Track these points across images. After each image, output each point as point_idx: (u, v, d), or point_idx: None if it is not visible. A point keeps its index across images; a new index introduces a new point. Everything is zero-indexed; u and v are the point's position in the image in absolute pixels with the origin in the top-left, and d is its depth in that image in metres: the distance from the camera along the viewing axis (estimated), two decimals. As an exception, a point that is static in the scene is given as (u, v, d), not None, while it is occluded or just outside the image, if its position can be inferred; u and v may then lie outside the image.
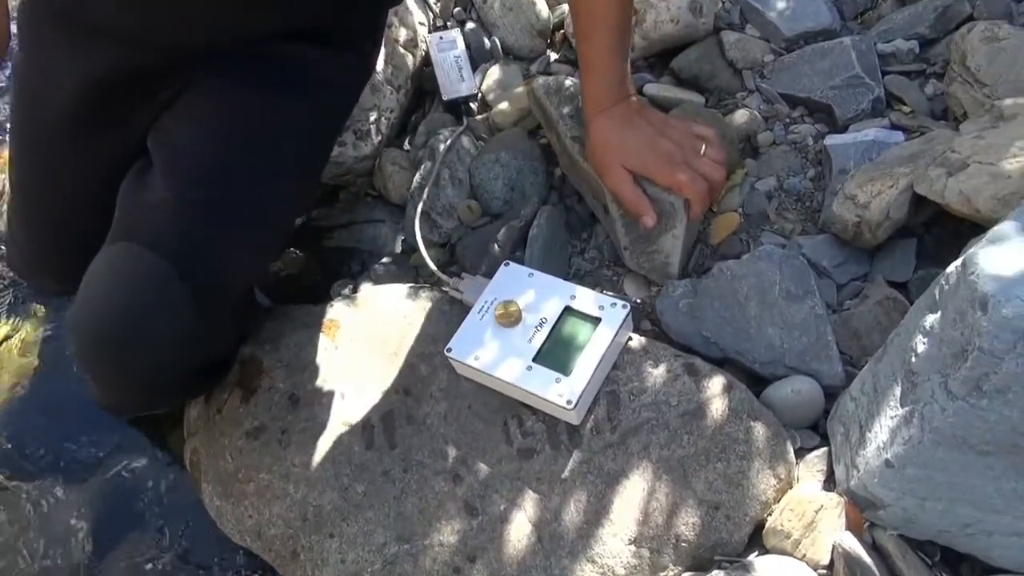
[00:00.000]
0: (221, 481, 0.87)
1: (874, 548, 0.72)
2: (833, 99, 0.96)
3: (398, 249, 1.04)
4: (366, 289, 0.93)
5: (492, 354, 0.79)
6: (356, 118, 1.07)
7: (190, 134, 0.82)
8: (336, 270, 1.04)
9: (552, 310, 0.81)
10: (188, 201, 0.78)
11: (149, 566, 0.95)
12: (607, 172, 0.85)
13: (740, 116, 0.99)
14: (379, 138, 1.08)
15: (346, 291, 0.95)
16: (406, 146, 1.10)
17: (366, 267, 1.02)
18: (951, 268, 0.67)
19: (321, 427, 0.84)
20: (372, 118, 1.07)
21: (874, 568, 0.69)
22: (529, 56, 1.13)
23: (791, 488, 0.76)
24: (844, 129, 0.96)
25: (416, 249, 1.00)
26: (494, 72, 1.10)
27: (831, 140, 0.93)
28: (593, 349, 0.77)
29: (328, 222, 1.08)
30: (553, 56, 1.13)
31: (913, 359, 0.68)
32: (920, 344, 0.68)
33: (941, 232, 0.87)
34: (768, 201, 0.95)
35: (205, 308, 0.77)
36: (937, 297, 0.67)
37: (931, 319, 0.67)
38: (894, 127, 0.93)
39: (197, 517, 0.94)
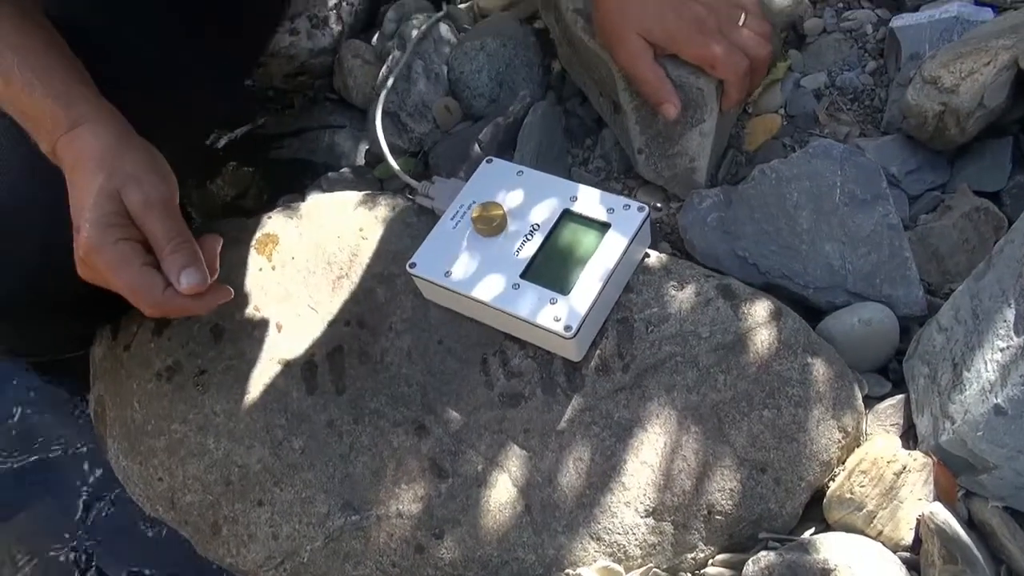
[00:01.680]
0: (127, 436, 0.69)
1: (970, 524, 0.55)
2: (899, -26, 0.78)
3: (361, 160, 0.85)
4: (313, 199, 0.74)
5: (468, 270, 0.61)
6: (311, 2, 0.88)
7: None
8: (286, 186, 0.86)
9: (547, 214, 0.63)
10: None
11: (51, 545, 0.77)
12: (620, 43, 0.66)
13: (782, -2, 0.81)
14: (339, 28, 0.89)
15: (289, 203, 0.76)
16: (374, 41, 0.91)
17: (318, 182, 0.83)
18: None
19: (250, 366, 0.66)
20: (331, 2, 0.88)
21: (974, 549, 0.52)
22: (523, -62, 0.94)
23: (859, 446, 0.57)
24: (914, 11, 0.77)
25: (382, 159, 0.82)
26: (480, -48, 0.91)
27: (898, 21, 0.75)
28: (599, 262, 0.59)
29: (277, 129, 0.89)
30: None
31: (1035, 270, 0.50)
32: (1046, 250, 0.50)
33: (1042, 130, 0.69)
34: (817, 100, 0.77)
35: None
36: (1073, 184, 0.49)
37: (1063, 215, 0.50)
38: (979, 4, 0.74)
39: (106, 483, 0.77)
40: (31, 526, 0.78)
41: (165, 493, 0.66)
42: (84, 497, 0.78)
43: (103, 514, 0.76)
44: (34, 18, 0.58)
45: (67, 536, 0.76)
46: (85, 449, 0.80)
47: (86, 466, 0.79)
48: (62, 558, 0.76)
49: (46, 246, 0.60)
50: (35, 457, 0.81)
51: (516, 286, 0.59)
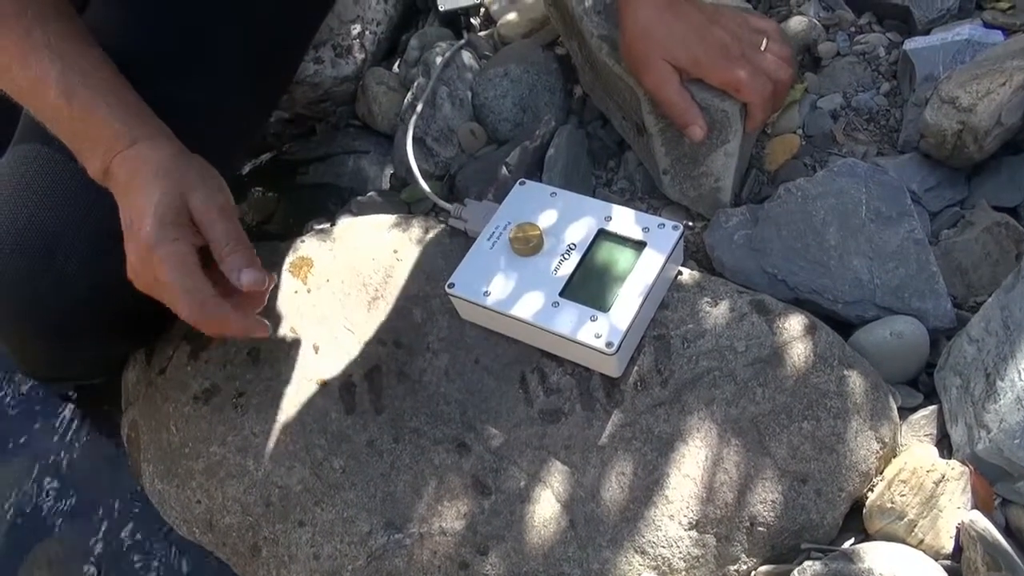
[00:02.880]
0: (163, 459, 0.69)
1: (1007, 532, 0.56)
2: (910, -1, 0.80)
3: (386, 184, 0.87)
4: (345, 222, 0.76)
5: (506, 289, 0.62)
6: (335, 31, 0.90)
7: (111, 17, 0.65)
8: (311, 211, 0.87)
9: (582, 233, 0.64)
10: None
11: (81, 572, 0.77)
12: (647, 69, 0.68)
13: (796, 23, 0.83)
14: (363, 56, 0.91)
15: (321, 227, 0.77)
16: (396, 69, 0.93)
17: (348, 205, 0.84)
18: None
19: (288, 387, 0.67)
20: (355, 31, 0.90)
21: (1015, 555, 0.53)
22: (540, -33, 0.96)
23: (895, 456, 0.59)
24: (925, 34, 0.79)
25: (407, 184, 0.83)
26: (500, -19, 0.93)
27: (912, 44, 0.77)
28: (637, 279, 0.60)
29: (302, 155, 0.91)
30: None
31: (1065, 281, 0.51)
32: (1075, 261, 0.51)
33: (1056, 147, 0.71)
34: (834, 121, 0.79)
35: None
36: (1099, 197, 0.51)
37: (1090, 227, 0.51)
38: (989, 27, 0.76)
39: (137, 508, 0.77)
40: (60, 553, 0.78)
41: (203, 515, 0.66)
42: (115, 522, 0.77)
43: (135, 539, 0.76)
44: (91, 41, 0.60)
45: (97, 562, 0.76)
46: (116, 474, 0.80)
47: (117, 491, 0.79)
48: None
49: (92, 266, 0.61)
50: (64, 483, 0.81)
51: (556, 304, 0.60)
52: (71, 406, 0.85)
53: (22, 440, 0.84)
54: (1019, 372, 0.54)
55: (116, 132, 0.57)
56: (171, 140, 0.59)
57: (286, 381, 0.67)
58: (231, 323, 0.58)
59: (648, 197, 0.79)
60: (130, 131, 0.57)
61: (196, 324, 0.57)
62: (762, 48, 0.69)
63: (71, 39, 0.58)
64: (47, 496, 0.81)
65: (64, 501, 0.80)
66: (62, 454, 0.83)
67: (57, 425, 0.84)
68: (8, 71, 0.57)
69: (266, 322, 0.60)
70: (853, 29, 0.84)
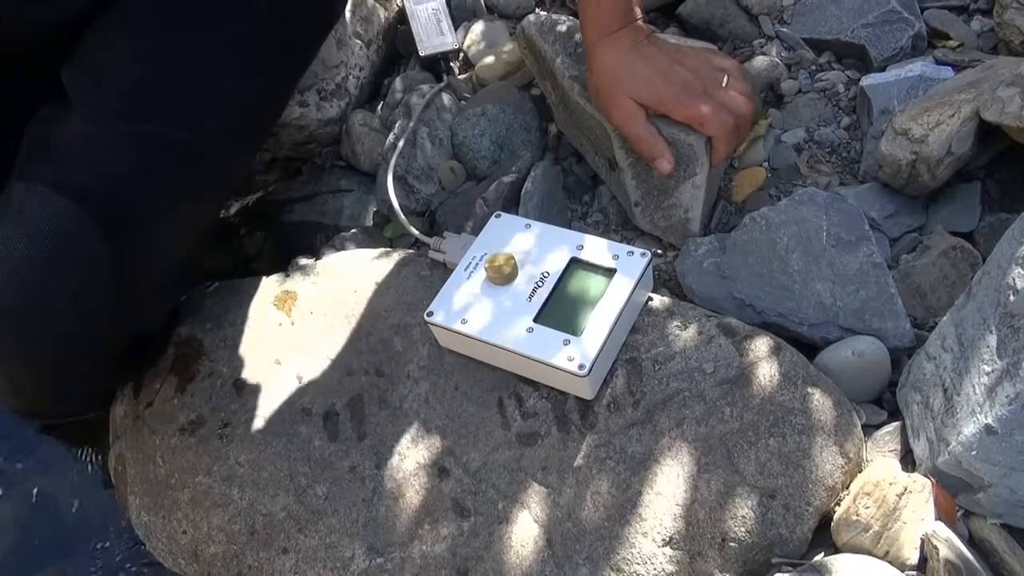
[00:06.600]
0: (150, 491, 0.70)
1: (970, 542, 0.57)
2: (866, 39, 0.84)
3: (369, 222, 0.89)
4: (328, 257, 0.78)
5: (483, 317, 0.64)
6: (320, 76, 0.93)
7: (113, 63, 0.68)
8: (297, 247, 0.89)
9: (556, 262, 0.67)
10: (112, 134, 0.64)
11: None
12: (614, 107, 0.72)
13: (759, 63, 0.87)
14: (347, 100, 0.94)
15: (306, 262, 0.80)
16: (378, 111, 0.96)
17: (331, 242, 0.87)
18: (1058, 178, 0.54)
19: (272, 417, 0.68)
20: (339, 76, 0.94)
21: (977, 564, 0.54)
22: (516, 14, 1.01)
23: (861, 471, 0.60)
24: (881, 71, 0.83)
25: (390, 220, 0.86)
26: (478, 27, 0.98)
27: (868, 80, 0.81)
28: (608, 305, 0.63)
29: (288, 195, 0.93)
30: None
31: (1011, 298, 0.54)
32: (1020, 279, 0.54)
33: (1007, 175, 0.75)
34: (797, 154, 0.83)
35: (126, 267, 0.62)
36: (1039, 218, 0.54)
37: (1032, 246, 0.54)
38: (940, 63, 0.81)
39: (124, 542, 0.78)
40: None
41: (189, 546, 0.67)
42: (102, 558, 0.78)
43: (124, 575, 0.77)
44: None
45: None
46: (102, 510, 0.81)
47: (104, 526, 0.80)
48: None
49: (80, 299, 0.62)
50: (50, 520, 0.82)
51: (530, 330, 0.63)
52: (59, 443, 0.86)
53: (10, 478, 0.85)
54: (974, 386, 0.56)
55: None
56: None
57: (270, 411, 0.69)
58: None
59: (622, 229, 0.82)
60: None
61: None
62: (724, 85, 0.73)
63: None
64: (35, 535, 0.82)
65: (53, 539, 0.81)
66: (49, 492, 0.84)
67: (44, 462, 0.86)
68: None
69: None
70: (814, 67, 0.88)
